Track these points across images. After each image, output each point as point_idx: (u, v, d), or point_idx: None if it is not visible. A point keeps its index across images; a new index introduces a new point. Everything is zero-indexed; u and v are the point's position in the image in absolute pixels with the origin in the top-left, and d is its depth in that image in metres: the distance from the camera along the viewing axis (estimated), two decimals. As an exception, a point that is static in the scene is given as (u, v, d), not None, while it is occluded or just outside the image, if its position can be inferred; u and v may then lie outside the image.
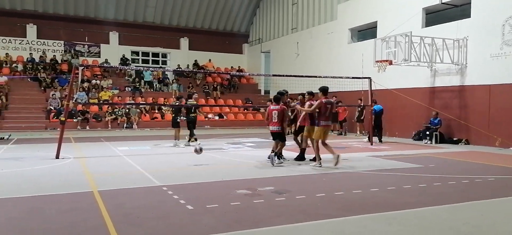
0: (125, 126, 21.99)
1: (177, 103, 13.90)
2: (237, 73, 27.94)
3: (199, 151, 8.74)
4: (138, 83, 26.09)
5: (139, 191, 6.64)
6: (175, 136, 13.65)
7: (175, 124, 13.76)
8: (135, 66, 27.58)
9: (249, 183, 7.30)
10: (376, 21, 19.06)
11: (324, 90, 9.34)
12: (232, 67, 30.38)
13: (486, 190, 7.00)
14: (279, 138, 9.58)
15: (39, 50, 26.00)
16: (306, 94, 10.09)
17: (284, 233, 4.59)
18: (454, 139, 15.24)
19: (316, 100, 9.48)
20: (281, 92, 9.83)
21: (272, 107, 9.64)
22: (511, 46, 13.58)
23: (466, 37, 15.01)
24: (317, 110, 9.19)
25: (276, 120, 9.44)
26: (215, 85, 27.84)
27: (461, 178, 7.99)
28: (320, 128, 9.19)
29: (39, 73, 24.44)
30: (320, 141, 9.23)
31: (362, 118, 18.30)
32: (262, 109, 17.36)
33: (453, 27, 15.45)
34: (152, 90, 26.52)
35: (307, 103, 9.82)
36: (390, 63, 15.09)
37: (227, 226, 4.77)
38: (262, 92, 29.63)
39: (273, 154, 9.43)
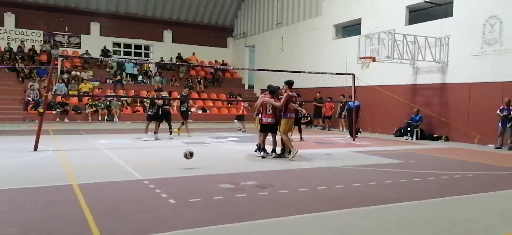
0: (106, 118, 21.64)
1: (156, 97, 13.78)
2: (221, 67, 27.81)
3: (188, 155, 8.47)
4: (119, 76, 25.65)
5: (120, 185, 6.54)
6: (146, 129, 13.39)
7: (148, 117, 13.49)
8: (117, 58, 27.11)
9: (232, 177, 7.27)
10: (360, 18, 19.19)
11: (289, 83, 9.65)
12: (216, 61, 30.20)
13: (465, 186, 7.14)
14: (270, 130, 9.72)
15: (17, 40, 25.30)
16: (284, 85, 10.02)
17: (266, 227, 4.59)
18: (435, 135, 15.51)
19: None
20: (278, 87, 9.99)
21: (267, 99, 9.68)
22: (491, 45, 13.87)
23: (448, 36, 15.26)
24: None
25: (270, 112, 9.56)
26: (199, 79, 27.63)
27: (441, 173, 8.13)
28: (287, 119, 9.52)
29: (17, 64, 23.81)
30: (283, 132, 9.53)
31: (343, 113, 18.44)
32: (246, 104, 17.31)
33: (436, 26, 15.68)
34: (133, 82, 26.11)
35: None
36: (374, 60, 15.25)
37: (210, 220, 4.73)
38: (246, 87, 29.55)
39: (258, 148, 9.70)
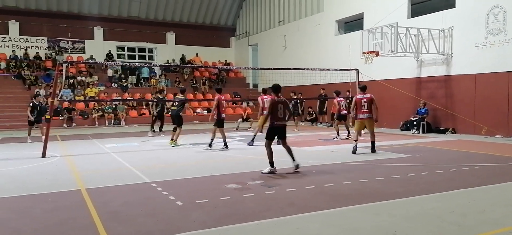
0: (112, 122, 21.75)
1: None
2: (225, 67, 27.83)
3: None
4: (124, 80, 25.69)
5: (128, 188, 6.57)
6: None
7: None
8: (121, 62, 27.21)
9: (238, 177, 7.29)
10: (363, 13, 19.11)
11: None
12: (219, 61, 30.22)
13: (473, 178, 7.10)
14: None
15: (22, 47, 25.49)
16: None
17: (274, 226, 4.59)
18: (441, 128, 15.42)
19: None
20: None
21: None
22: (495, 35, 13.75)
23: (451, 27, 15.15)
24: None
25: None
26: (203, 80, 27.67)
27: (448, 166, 8.09)
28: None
29: (23, 71, 23.99)
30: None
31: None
32: (251, 103, 17.23)
33: (438, 17, 15.57)
34: (139, 86, 26.17)
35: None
36: (377, 54, 15.18)
37: (217, 221, 4.75)
38: (251, 86, 29.55)
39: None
